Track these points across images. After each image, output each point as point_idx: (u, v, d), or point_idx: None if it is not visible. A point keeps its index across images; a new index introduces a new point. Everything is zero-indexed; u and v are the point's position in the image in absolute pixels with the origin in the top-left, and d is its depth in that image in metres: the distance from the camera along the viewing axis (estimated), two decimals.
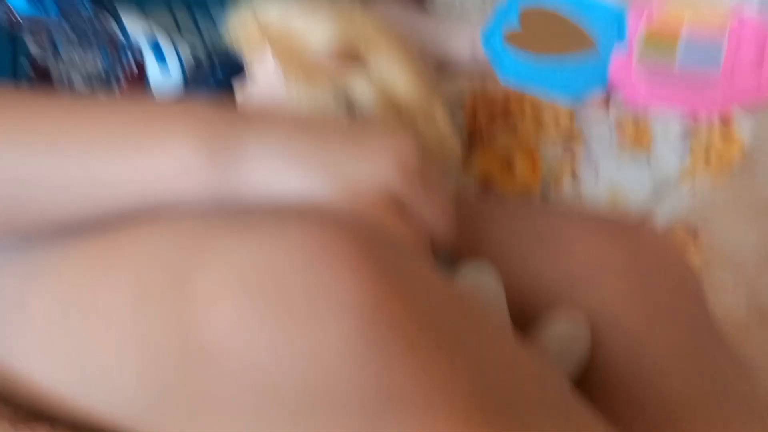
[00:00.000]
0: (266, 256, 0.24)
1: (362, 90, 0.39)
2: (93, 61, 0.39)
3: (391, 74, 0.39)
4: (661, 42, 0.39)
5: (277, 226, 0.26)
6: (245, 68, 0.38)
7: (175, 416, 0.27)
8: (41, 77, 0.38)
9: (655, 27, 0.39)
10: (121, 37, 0.40)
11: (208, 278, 0.25)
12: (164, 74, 0.42)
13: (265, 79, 0.37)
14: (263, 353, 0.23)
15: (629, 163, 0.80)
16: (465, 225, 0.45)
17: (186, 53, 0.42)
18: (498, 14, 0.43)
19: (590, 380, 0.36)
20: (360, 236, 0.25)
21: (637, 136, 0.79)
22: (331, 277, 0.24)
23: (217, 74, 0.44)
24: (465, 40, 0.41)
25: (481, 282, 0.33)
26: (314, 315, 0.23)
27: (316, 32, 0.38)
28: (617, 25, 0.40)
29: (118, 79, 0.40)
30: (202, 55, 0.43)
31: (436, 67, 0.45)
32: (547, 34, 0.39)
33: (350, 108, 0.39)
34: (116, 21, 0.40)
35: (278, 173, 0.29)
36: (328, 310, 0.23)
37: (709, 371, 0.36)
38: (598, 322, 0.37)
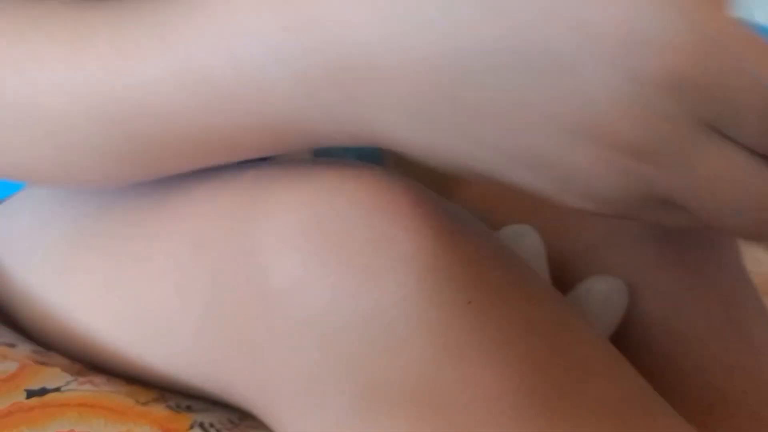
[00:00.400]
0: (328, 206, 0.25)
1: None
2: None
3: None
4: None
5: (336, 177, 0.26)
6: None
7: (234, 366, 0.28)
8: None
9: None
10: None
11: (271, 227, 0.25)
12: None
13: None
14: (327, 303, 0.24)
15: None
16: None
17: None
18: None
19: (627, 345, 0.36)
20: (414, 190, 0.26)
21: None
22: (391, 230, 0.24)
23: None
24: None
25: (525, 245, 0.33)
26: (376, 267, 0.24)
27: None
28: None
29: None
30: None
31: None
32: None
33: None
34: None
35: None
36: (389, 263, 0.24)
37: (747, 337, 0.37)
38: (633, 287, 0.38)
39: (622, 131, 0.18)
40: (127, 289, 0.31)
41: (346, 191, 0.25)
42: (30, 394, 0.31)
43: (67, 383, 0.32)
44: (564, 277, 0.38)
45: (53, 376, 0.33)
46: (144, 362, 0.32)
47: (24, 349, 0.35)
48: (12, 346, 0.35)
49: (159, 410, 0.33)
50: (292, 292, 0.25)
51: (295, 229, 0.25)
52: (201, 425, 0.33)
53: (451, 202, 0.28)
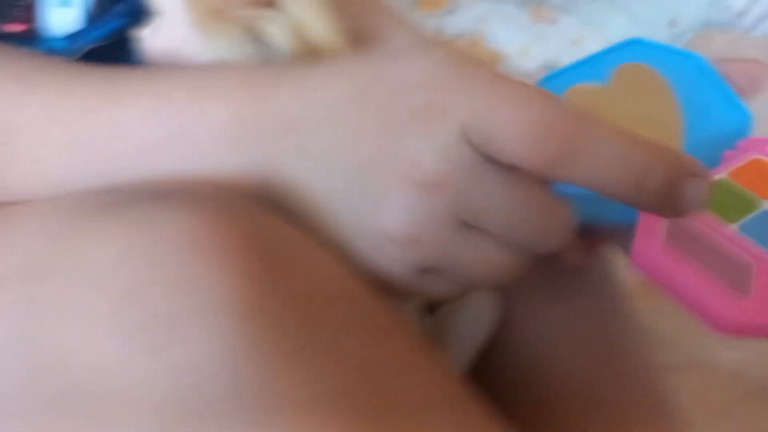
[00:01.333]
0: (134, 243, 0.22)
1: (278, 34, 0.36)
2: None
3: (307, 17, 0.37)
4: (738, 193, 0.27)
5: (149, 207, 0.23)
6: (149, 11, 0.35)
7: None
8: None
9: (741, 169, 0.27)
10: None
11: (69, 272, 0.23)
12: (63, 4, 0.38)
13: (170, 24, 0.34)
14: (122, 367, 0.21)
15: None
16: None
17: None
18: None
19: (492, 363, 0.36)
20: (247, 218, 0.23)
21: None
22: (202, 269, 0.22)
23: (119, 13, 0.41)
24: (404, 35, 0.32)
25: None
26: (180, 316, 0.21)
27: None
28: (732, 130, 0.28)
29: None
30: None
31: None
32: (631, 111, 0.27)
33: (266, 55, 0.36)
34: None
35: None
36: (197, 309, 0.21)
37: (612, 348, 0.37)
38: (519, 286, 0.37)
39: (396, 229, 0.24)
40: None
41: (155, 224, 0.22)
42: None
43: None
44: None
45: None
46: None
47: None
48: None
49: None
50: (81, 356, 0.21)
51: (99, 272, 0.22)
52: None
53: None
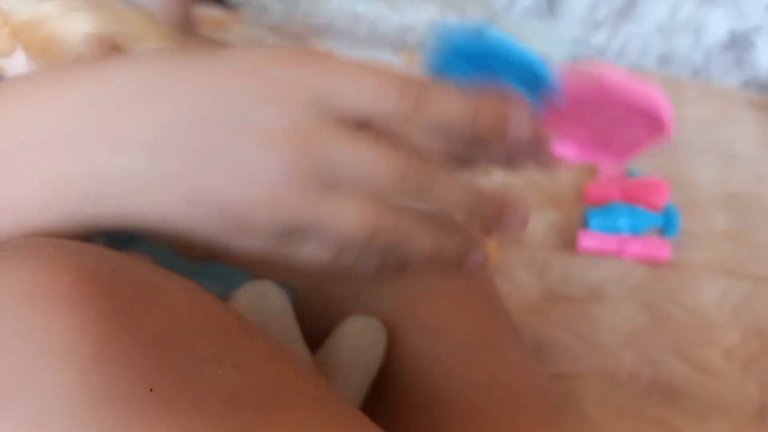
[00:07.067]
0: None
1: None
2: None
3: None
4: None
5: None
6: None
7: None
8: None
9: None
10: None
11: None
12: None
13: None
14: None
15: None
16: None
17: None
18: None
19: (395, 379, 0.36)
20: (90, 263, 0.22)
21: None
22: (41, 320, 0.20)
23: None
24: None
25: (267, 304, 0.31)
26: (23, 371, 0.19)
27: (73, 23, 0.34)
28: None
29: None
30: None
31: None
32: None
33: None
34: None
35: None
36: (39, 360, 0.19)
37: (501, 355, 0.38)
38: (396, 322, 0.37)
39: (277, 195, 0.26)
40: None
41: None
42: None
43: None
44: (325, 325, 0.36)
45: None
46: None
47: None
48: None
49: None
50: None
51: None
52: None
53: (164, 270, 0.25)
